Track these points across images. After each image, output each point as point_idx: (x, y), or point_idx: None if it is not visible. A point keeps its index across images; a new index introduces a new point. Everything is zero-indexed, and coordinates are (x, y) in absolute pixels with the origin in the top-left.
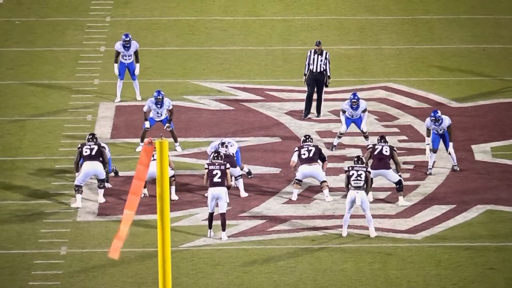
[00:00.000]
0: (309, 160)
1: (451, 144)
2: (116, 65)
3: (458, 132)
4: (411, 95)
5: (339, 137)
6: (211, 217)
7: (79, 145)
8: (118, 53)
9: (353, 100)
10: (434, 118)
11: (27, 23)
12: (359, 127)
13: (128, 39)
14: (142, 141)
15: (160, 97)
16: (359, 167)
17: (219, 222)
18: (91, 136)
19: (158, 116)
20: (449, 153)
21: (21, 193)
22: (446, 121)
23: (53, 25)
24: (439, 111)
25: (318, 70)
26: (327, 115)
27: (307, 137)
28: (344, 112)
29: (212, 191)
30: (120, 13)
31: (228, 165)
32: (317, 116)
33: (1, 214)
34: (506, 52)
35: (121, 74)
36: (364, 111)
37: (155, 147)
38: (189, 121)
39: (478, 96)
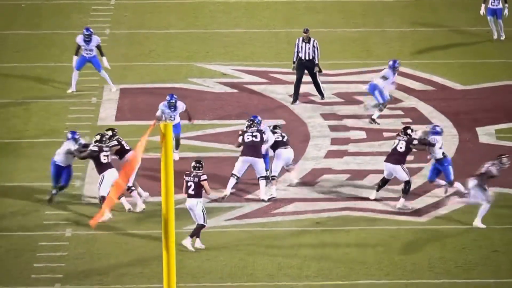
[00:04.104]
0: (283, 144)
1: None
2: (75, 57)
3: (462, 115)
4: (415, 77)
5: (381, 110)
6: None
7: (97, 148)
8: (79, 46)
9: (394, 66)
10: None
11: (33, 6)
12: (383, 98)
13: (88, 33)
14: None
15: (173, 101)
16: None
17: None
18: (104, 136)
19: (171, 120)
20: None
21: (26, 175)
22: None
23: (58, 8)
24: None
25: (307, 58)
26: (332, 97)
27: (276, 127)
28: (384, 78)
29: (187, 202)
30: None
31: (203, 177)
32: (322, 99)
33: (7, 196)
34: (509, 35)
35: (77, 65)
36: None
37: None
38: (193, 104)
39: (482, 78)
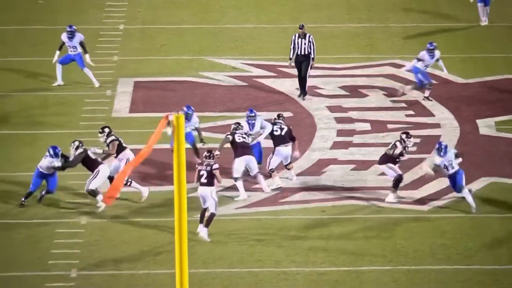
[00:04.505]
0: (284, 141)
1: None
2: (57, 52)
3: (463, 107)
4: None
5: (429, 89)
6: (202, 212)
7: (83, 150)
8: (63, 43)
9: (430, 48)
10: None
11: (49, 2)
12: (427, 79)
13: (71, 29)
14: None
15: (190, 112)
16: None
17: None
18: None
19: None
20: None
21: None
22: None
23: (74, 4)
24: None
25: (303, 53)
26: (337, 90)
27: (279, 115)
28: (419, 60)
29: (199, 191)
30: None
31: (215, 166)
32: (303, 99)
33: (24, 185)
34: (509, 30)
35: (61, 60)
36: (438, 59)
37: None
38: (204, 97)
39: (483, 72)
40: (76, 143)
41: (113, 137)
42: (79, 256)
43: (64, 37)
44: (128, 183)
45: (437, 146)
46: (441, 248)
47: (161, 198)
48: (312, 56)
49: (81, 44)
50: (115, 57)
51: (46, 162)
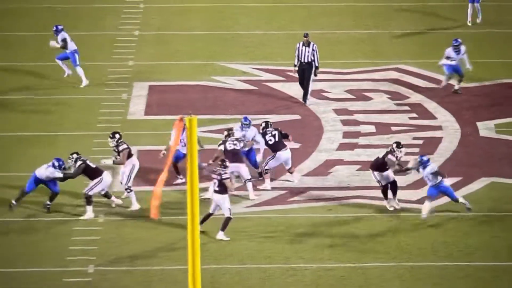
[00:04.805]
0: (281, 146)
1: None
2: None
3: (464, 111)
4: (420, 76)
5: (449, 78)
6: (206, 216)
7: (81, 161)
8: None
9: (455, 45)
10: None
11: (67, 9)
12: (460, 72)
13: (56, 29)
14: (178, 173)
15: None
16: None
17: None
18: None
19: (182, 147)
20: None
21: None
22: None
23: (91, 11)
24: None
25: (306, 61)
26: (344, 94)
27: (266, 123)
28: (448, 58)
29: (213, 197)
30: (153, 0)
31: (225, 176)
32: (304, 104)
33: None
34: (506, 36)
35: (58, 56)
36: (464, 54)
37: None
38: (216, 100)
39: (483, 76)
40: (75, 156)
41: (124, 146)
42: (96, 252)
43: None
44: (129, 191)
45: (418, 159)
46: (443, 245)
47: (174, 197)
48: (316, 64)
49: (63, 40)
50: (131, 62)
51: (47, 172)
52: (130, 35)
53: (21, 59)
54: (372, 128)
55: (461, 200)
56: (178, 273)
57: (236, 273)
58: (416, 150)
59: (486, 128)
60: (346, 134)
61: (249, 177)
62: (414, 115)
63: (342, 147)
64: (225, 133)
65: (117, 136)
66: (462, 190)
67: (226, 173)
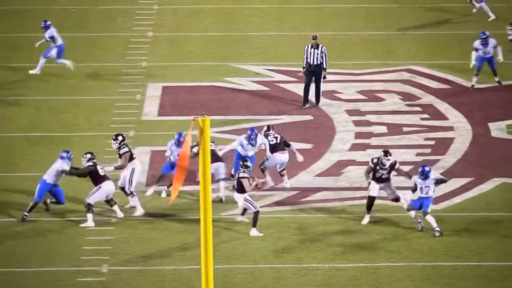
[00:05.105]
0: (280, 148)
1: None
2: (41, 41)
3: (476, 111)
4: (432, 77)
5: (477, 75)
6: (243, 213)
7: (92, 164)
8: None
9: (482, 37)
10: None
11: (82, 10)
12: (492, 66)
13: (45, 24)
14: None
15: (182, 139)
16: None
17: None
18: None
19: (175, 158)
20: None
21: (76, 165)
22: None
23: (105, 13)
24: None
25: (315, 63)
26: (356, 94)
27: (269, 127)
28: (476, 50)
29: (234, 195)
30: (166, 1)
31: (242, 175)
32: (316, 105)
33: (60, 185)
34: None
35: (44, 53)
36: (495, 47)
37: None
38: (229, 101)
39: (494, 78)
40: (88, 155)
41: (126, 149)
42: (110, 252)
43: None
44: (132, 195)
45: (420, 169)
46: (455, 245)
47: (187, 198)
48: (324, 66)
49: (52, 38)
50: (144, 63)
51: (56, 165)
52: (143, 36)
53: (34, 60)
54: (384, 129)
55: (429, 220)
56: (191, 272)
57: (249, 272)
58: (428, 150)
59: (497, 129)
60: (358, 135)
61: (224, 177)
62: (426, 115)
63: (354, 147)
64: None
65: (119, 138)
66: (474, 191)
67: (244, 172)
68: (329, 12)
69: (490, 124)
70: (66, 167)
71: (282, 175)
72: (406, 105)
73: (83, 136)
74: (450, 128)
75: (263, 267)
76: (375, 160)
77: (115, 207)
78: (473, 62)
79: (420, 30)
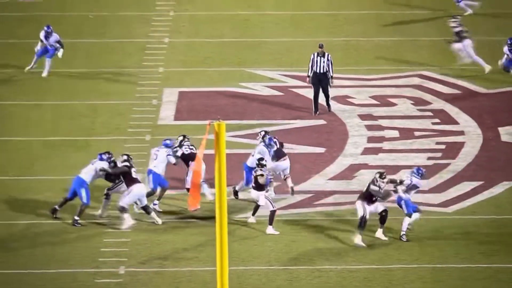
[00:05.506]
0: (280, 154)
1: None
2: (40, 44)
3: (486, 116)
4: (443, 82)
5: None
6: (255, 207)
7: (129, 164)
8: (41, 41)
9: (509, 43)
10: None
11: (99, 17)
12: None
13: (49, 30)
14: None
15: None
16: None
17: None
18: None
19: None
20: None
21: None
22: None
23: (122, 19)
24: None
25: (321, 71)
26: (368, 99)
27: (265, 132)
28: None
29: (251, 193)
30: (183, 8)
31: (258, 172)
32: (329, 111)
33: None
34: None
35: (38, 53)
36: None
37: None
38: (244, 106)
39: (504, 83)
40: (125, 157)
41: (125, 168)
42: (127, 254)
43: (41, 35)
44: (155, 204)
45: (420, 171)
46: (465, 247)
47: (202, 200)
48: (331, 74)
49: (59, 42)
50: (161, 69)
51: (96, 164)
52: (160, 42)
53: (54, 65)
54: (395, 133)
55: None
56: (206, 274)
57: (263, 274)
58: (439, 154)
59: (507, 133)
60: (370, 139)
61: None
62: (437, 120)
63: (366, 151)
64: (180, 138)
65: (124, 157)
66: (484, 194)
67: (261, 169)
68: (342, 18)
69: (500, 129)
70: (105, 165)
71: (285, 179)
72: (417, 110)
73: (101, 140)
74: (461, 133)
75: (277, 268)
76: (372, 187)
77: (153, 214)
78: (500, 62)
79: (432, 36)
